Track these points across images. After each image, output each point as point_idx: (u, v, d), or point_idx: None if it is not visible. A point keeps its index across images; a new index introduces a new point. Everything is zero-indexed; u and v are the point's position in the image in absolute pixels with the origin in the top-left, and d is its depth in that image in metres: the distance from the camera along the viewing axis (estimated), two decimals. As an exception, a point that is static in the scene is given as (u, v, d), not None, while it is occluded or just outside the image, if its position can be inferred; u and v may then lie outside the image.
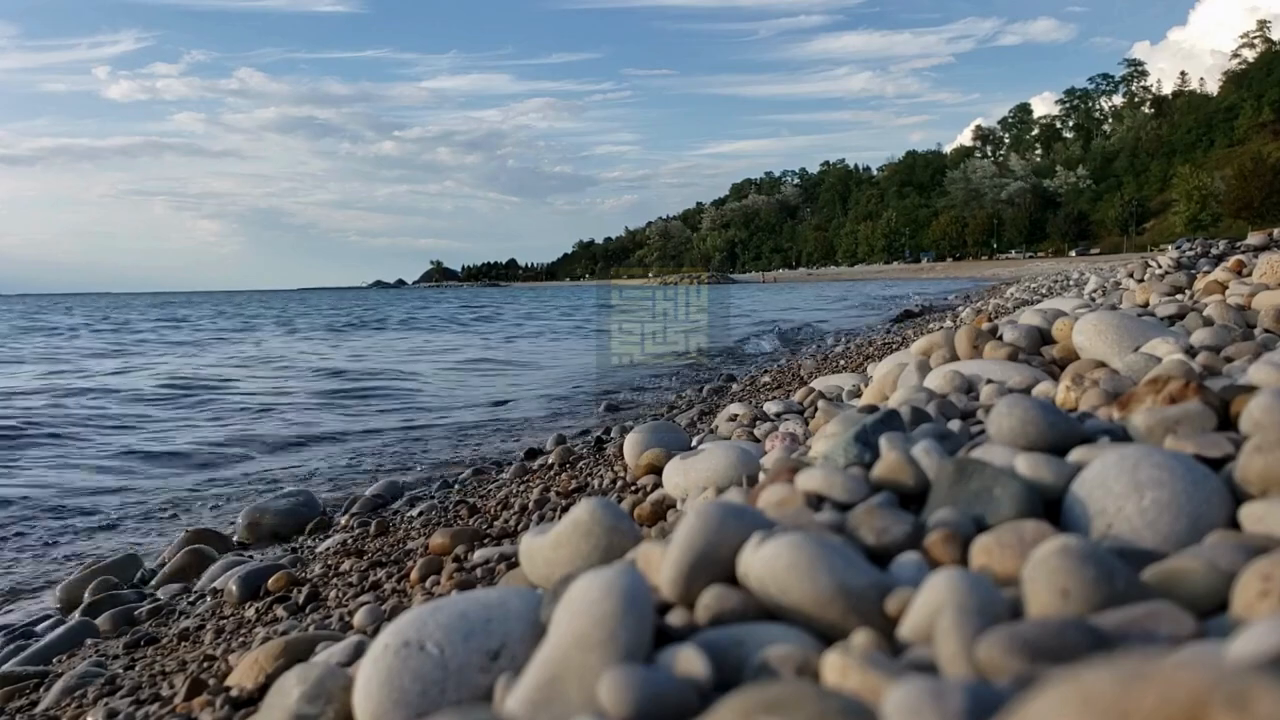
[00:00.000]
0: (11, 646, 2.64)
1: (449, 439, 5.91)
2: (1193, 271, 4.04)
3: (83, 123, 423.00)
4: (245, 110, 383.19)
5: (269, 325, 26.41)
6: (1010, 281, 26.99)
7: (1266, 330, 2.13)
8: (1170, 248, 8.76)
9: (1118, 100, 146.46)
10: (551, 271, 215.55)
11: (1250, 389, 1.15)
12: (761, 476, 1.62)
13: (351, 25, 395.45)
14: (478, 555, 2.41)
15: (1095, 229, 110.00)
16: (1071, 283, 12.83)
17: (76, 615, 2.83)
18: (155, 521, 4.12)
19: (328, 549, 3.22)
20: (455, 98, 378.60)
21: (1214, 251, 5.82)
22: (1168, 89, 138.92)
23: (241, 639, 2.30)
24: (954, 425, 1.40)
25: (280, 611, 2.47)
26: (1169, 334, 1.94)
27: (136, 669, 2.24)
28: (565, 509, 2.54)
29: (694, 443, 2.72)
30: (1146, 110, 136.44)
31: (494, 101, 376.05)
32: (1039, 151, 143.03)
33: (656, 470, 2.60)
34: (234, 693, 1.59)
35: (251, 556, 3.38)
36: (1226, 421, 1.13)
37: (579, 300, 45.87)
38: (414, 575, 2.42)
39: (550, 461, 4.19)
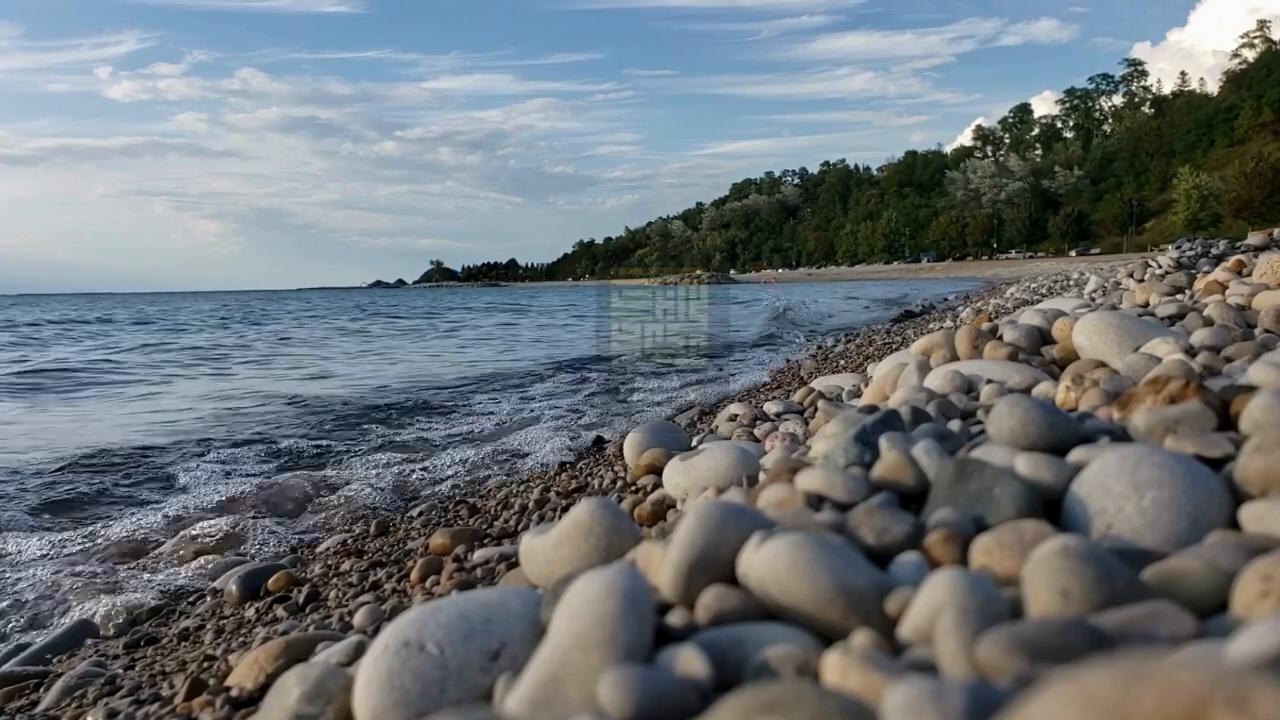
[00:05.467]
0: (12, 646, 2.63)
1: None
2: (1193, 271, 4.04)
3: (85, 123, 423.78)
4: (247, 110, 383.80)
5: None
6: (1010, 281, 26.98)
7: (1266, 330, 2.13)
8: (1170, 248, 8.75)
9: (1118, 100, 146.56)
10: (551, 272, 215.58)
11: (1250, 389, 1.15)
12: (761, 476, 1.61)
13: (353, 26, 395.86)
14: (478, 555, 2.41)
15: (1095, 229, 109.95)
16: (1071, 283, 12.83)
17: (76, 615, 2.83)
18: (154, 521, 4.11)
19: (328, 549, 3.22)
20: (457, 98, 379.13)
21: (1214, 251, 5.82)
22: (1168, 89, 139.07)
23: (241, 639, 2.30)
24: (954, 425, 1.40)
25: (280, 611, 2.47)
26: (1169, 334, 1.94)
27: (136, 669, 2.24)
28: (565, 509, 2.54)
29: (694, 443, 2.72)
30: (1146, 110, 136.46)
31: (496, 102, 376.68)
32: (1039, 151, 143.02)
33: (656, 470, 2.60)
34: (234, 693, 1.59)
35: (251, 557, 3.38)
36: (1226, 421, 1.13)
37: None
38: (414, 575, 2.42)
39: (550, 461, 4.19)
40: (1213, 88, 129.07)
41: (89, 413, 7.88)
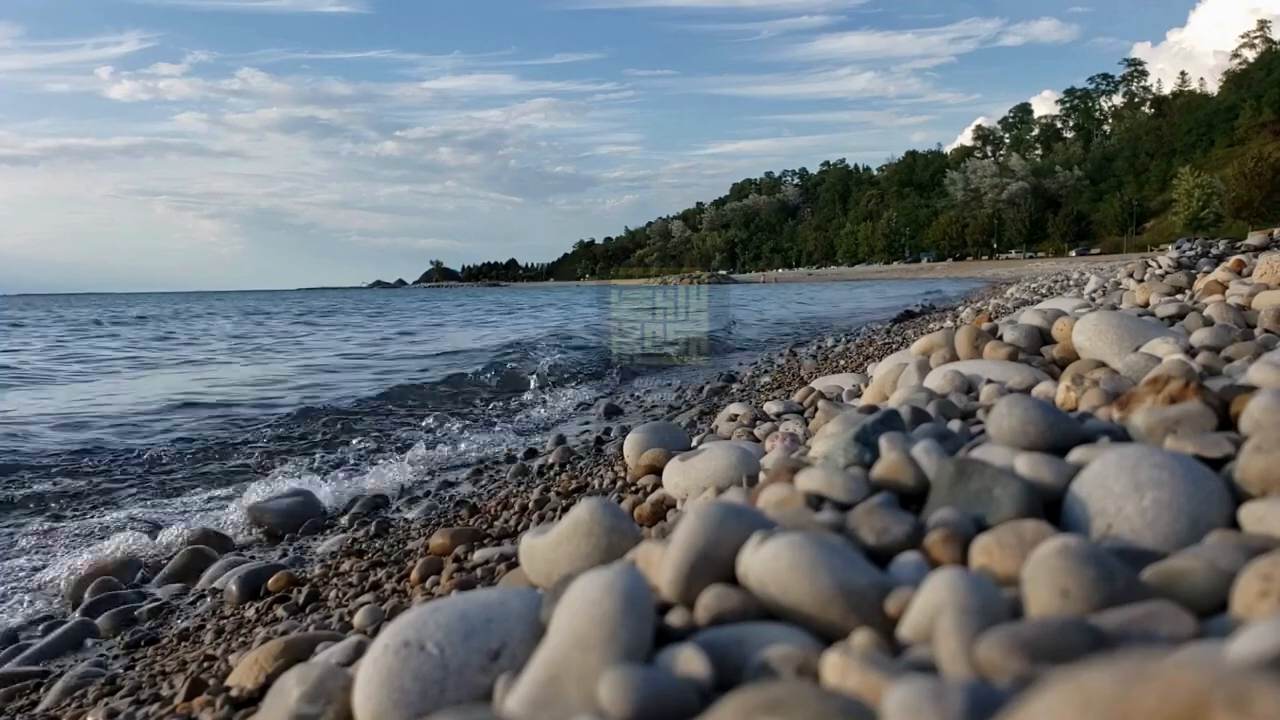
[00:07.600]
0: (12, 646, 2.63)
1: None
2: (1193, 271, 4.04)
3: (86, 123, 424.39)
4: (248, 110, 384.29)
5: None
6: (1010, 281, 26.96)
7: (1266, 330, 2.13)
8: (1170, 248, 8.75)
9: (1118, 100, 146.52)
10: (551, 272, 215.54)
11: (1250, 389, 1.15)
12: (761, 476, 1.62)
13: (354, 26, 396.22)
14: (478, 555, 2.41)
15: (1095, 229, 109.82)
16: (1071, 283, 12.83)
17: (76, 615, 2.83)
18: (155, 522, 4.11)
19: (328, 549, 3.22)
20: (457, 98, 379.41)
21: (1214, 251, 5.83)
22: (1168, 89, 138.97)
23: (241, 639, 2.30)
24: (954, 425, 1.40)
25: (280, 611, 2.47)
26: (1169, 334, 1.93)
27: (136, 669, 2.24)
28: (565, 509, 2.54)
29: (694, 443, 2.72)
30: (1146, 110, 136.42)
31: (496, 102, 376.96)
32: (1039, 151, 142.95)
33: (656, 470, 2.60)
34: (234, 693, 1.59)
35: (252, 557, 3.37)
36: (1226, 421, 1.12)
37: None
38: (414, 575, 2.42)
39: (550, 462, 4.20)
40: (1213, 88, 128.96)
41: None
